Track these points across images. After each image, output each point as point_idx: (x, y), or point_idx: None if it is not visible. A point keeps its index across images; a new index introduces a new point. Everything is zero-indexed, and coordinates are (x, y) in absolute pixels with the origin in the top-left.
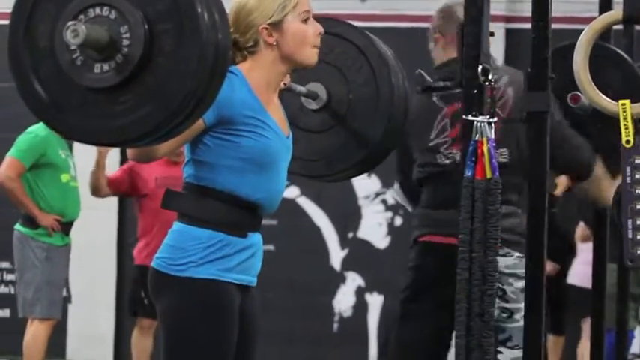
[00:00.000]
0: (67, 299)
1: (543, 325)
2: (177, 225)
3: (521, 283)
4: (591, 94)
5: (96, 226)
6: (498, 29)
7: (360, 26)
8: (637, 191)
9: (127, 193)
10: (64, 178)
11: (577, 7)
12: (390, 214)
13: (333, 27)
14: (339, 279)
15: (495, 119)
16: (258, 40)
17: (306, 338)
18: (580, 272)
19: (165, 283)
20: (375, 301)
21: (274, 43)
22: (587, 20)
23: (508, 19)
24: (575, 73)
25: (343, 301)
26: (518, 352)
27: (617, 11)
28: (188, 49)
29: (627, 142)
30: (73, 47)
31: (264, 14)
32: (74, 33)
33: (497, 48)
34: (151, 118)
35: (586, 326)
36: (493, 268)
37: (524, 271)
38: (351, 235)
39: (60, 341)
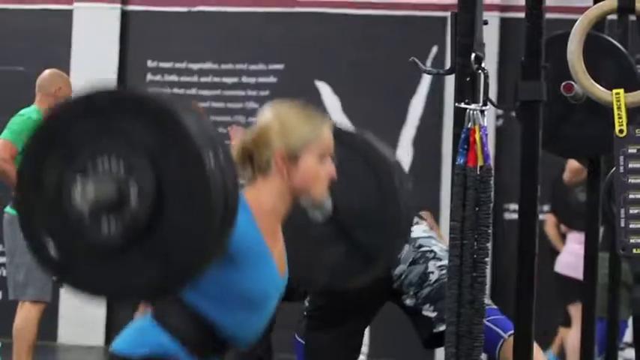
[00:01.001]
0: (59, 283)
1: (533, 328)
2: (148, 318)
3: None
4: (585, 83)
5: None
6: (493, 18)
7: (357, 15)
8: (630, 180)
9: None
10: None
11: None
12: None
13: (344, 137)
14: None
15: (488, 107)
16: (270, 163)
17: None
18: (564, 261)
19: None
20: None
21: (285, 172)
22: (582, 10)
23: (503, 8)
24: (570, 62)
25: None
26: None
27: (611, 1)
28: (197, 208)
29: (620, 131)
30: (80, 207)
31: (286, 142)
32: (82, 193)
33: (491, 37)
34: (159, 280)
35: (575, 313)
36: (484, 255)
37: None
38: None
39: (51, 325)
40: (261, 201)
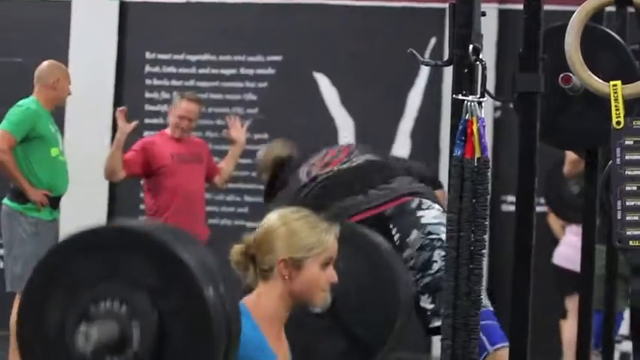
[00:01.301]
0: None
1: (529, 324)
2: None
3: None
4: (583, 75)
5: (86, 201)
6: (491, 9)
7: (355, 6)
8: (626, 172)
9: (140, 173)
10: (54, 152)
11: None
12: None
13: (342, 232)
14: None
15: (485, 98)
16: (273, 268)
17: None
18: (561, 253)
19: None
20: None
21: (286, 277)
22: (580, 1)
23: (501, 0)
24: (567, 53)
25: None
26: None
27: None
28: (199, 347)
29: (618, 123)
30: (83, 349)
31: (290, 248)
32: (86, 337)
33: (489, 28)
34: None
35: (571, 305)
36: (481, 247)
37: None
38: None
39: None
40: (263, 306)
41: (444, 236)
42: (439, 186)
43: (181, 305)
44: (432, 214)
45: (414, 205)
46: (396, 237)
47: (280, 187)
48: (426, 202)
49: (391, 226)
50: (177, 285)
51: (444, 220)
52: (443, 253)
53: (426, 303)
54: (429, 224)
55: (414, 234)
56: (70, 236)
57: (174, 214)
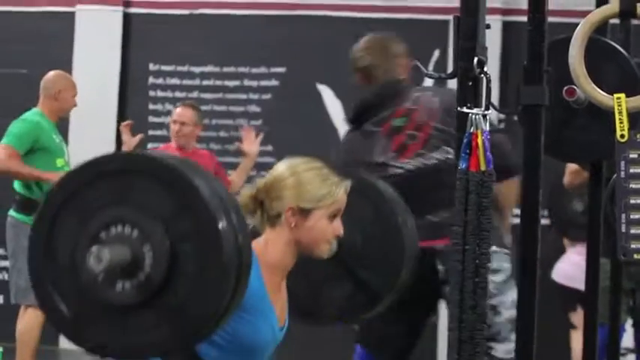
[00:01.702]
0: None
1: (535, 328)
2: None
3: (500, 276)
4: (587, 87)
5: None
6: (495, 22)
7: (359, 17)
8: (631, 185)
9: None
10: (59, 162)
11: (573, 0)
12: None
13: (352, 179)
14: None
15: (490, 111)
16: (281, 215)
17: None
18: (560, 270)
19: None
20: None
21: (293, 225)
22: (584, 14)
23: (505, 12)
24: (571, 66)
25: None
26: (510, 345)
27: (613, 5)
28: (210, 272)
29: (622, 136)
30: (94, 269)
31: (299, 197)
32: (97, 258)
33: (493, 40)
34: (172, 339)
35: (577, 320)
36: (486, 260)
37: (502, 263)
38: None
39: (53, 329)
40: (269, 254)
41: (490, 285)
42: (513, 173)
43: (193, 231)
44: None
45: (434, 249)
46: (442, 272)
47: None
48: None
49: (438, 260)
50: (189, 211)
51: (497, 264)
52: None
53: None
54: None
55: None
56: (81, 164)
57: None
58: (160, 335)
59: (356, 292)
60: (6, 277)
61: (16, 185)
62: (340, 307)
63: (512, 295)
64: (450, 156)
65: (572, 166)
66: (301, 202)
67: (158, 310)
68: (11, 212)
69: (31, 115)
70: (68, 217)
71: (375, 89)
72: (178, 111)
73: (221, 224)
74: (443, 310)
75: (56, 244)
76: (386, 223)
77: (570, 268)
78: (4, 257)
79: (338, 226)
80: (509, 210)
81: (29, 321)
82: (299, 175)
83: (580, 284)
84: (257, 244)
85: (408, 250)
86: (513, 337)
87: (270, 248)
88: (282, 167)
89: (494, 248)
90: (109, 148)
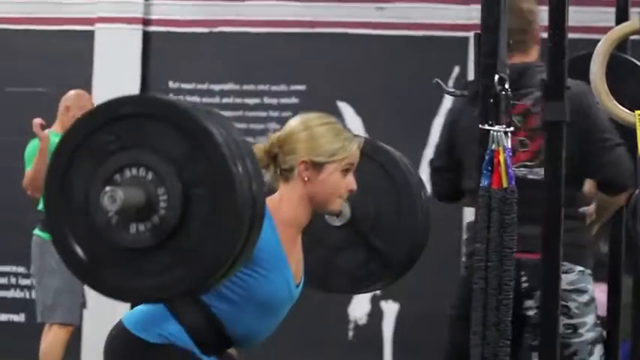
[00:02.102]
0: (83, 304)
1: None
2: (162, 307)
3: (584, 297)
4: (608, 104)
5: None
6: None
7: (377, 35)
8: None
9: None
10: None
11: (594, 17)
12: None
13: (365, 146)
14: None
15: (512, 128)
16: (294, 168)
17: (321, 345)
18: None
19: (131, 348)
20: (391, 309)
21: (306, 179)
22: (604, 30)
23: None
24: (592, 83)
25: (358, 308)
26: None
27: (633, 21)
28: (224, 213)
29: None
30: (108, 210)
31: (311, 151)
32: (112, 199)
33: None
34: (185, 280)
35: None
36: (509, 277)
37: (587, 284)
38: None
39: (75, 347)
40: (283, 210)
41: (572, 305)
42: (626, 189)
43: (207, 175)
44: (569, 279)
45: None
46: (525, 285)
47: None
48: (567, 265)
49: (523, 272)
50: (202, 155)
51: (582, 285)
52: (568, 322)
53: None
54: (564, 290)
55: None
56: (94, 107)
57: None
58: (174, 277)
59: (369, 259)
60: (27, 295)
61: (41, 205)
62: (353, 275)
63: (593, 317)
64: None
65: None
66: (314, 155)
67: (172, 253)
68: (36, 231)
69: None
70: (83, 160)
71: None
72: None
73: (234, 168)
74: None
75: (71, 186)
76: (400, 193)
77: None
78: (26, 276)
79: (351, 181)
80: (601, 223)
81: (53, 339)
82: (312, 129)
83: (601, 311)
84: (271, 201)
85: (422, 220)
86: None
87: (285, 204)
88: (295, 122)
89: (580, 268)
90: None
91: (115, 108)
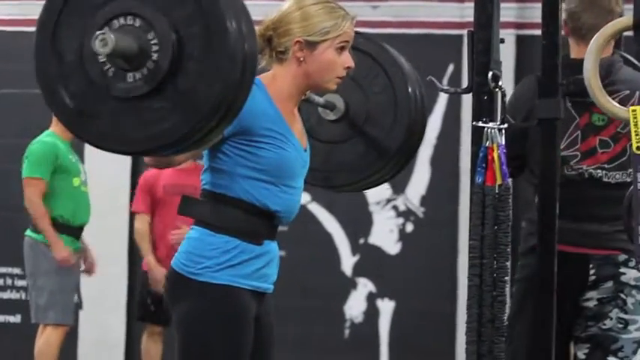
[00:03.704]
0: (79, 305)
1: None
2: (193, 231)
3: None
4: (602, 100)
5: (107, 231)
6: (509, 36)
7: (372, 33)
8: None
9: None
10: (75, 181)
11: None
12: (401, 220)
13: (360, 42)
14: (350, 285)
15: (506, 125)
16: (288, 49)
17: (317, 344)
18: None
19: (182, 289)
20: (387, 307)
21: (302, 59)
22: None
23: (518, 26)
24: (586, 79)
25: (354, 306)
26: None
27: (627, 18)
28: (216, 51)
29: (638, 148)
30: (102, 58)
31: (305, 30)
32: (103, 42)
33: (507, 54)
34: (184, 124)
35: None
36: (504, 274)
37: None
38: (362, 241)
39: (71, 347)
40: (277, 85)
41: (630, 300)
42: None
43: (196, 13)
44: (635, 275)
45: (620, 259)
46: (592, 277)
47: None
48: (633, 261)
49: (591, 265)
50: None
51: None
52: (621, 316)
53: (581, 352)
54: (627, 284)
55: (609, 284)
56: None
57: (165, 247)
58: (172, 121)
59: (367, 150)
60: (23, 296)
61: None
62: (353, 167)
63: None
64: (629, 179)
65: None
66: (308, 34)
67: (167, 98)
68: (28, 232)
69: (45, 137)
70: (71, 17)
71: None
72: None
73: (223, 2)
74: (461, 326)
75: (61, 44)
76: (395, 83)
77: None
78: (22, 277)
79: (347, 59)
80: None
81: (48, 340)
82: (305, 8)
83: None
84: (265, 78)
85: (417, 109)
86: (635, 359)
87: (279, 80)
88: (288, 2)
89: None
90: (125, 165)
91: None
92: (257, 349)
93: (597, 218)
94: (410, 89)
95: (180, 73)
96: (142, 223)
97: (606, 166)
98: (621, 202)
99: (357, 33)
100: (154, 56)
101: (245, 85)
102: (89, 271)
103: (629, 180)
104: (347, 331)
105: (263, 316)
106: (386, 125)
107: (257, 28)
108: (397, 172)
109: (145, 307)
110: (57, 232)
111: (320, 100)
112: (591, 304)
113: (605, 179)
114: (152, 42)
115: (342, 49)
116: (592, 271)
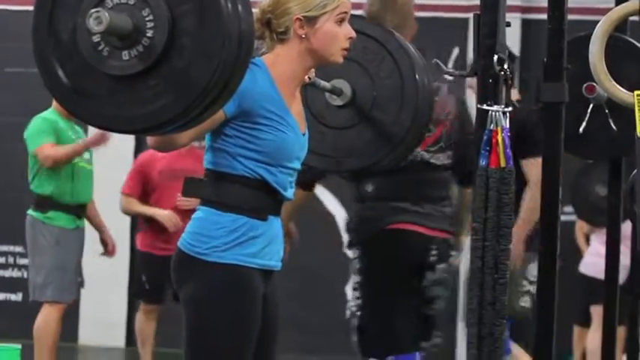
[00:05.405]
0: (80, 284)
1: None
2: (199, 211)
3: None
4: (607, 84)
5: (109, 211)
6: (515, 19)
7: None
8: None
9: (142, 194)
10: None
11: None
12: None
13: (353, 23)
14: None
15: (510, 108)
16: (289, 29)
17: (319, 325)
18: (589, 262)
19: (190, 269)
20: None
21: (303, 36)
22: (604, 11)
23: (524, 10)
24: (591, 64)
25: None
26: None
27: (633, 2)
28: (211, 27)
29: None
30: (96, 37)
31: (303, 6)
32: (97, 20)
33: (513, 38)
34: (180, 102)
35: (596, 315)
36: (505, 256)
37: None
38: None
39: (72, 326)
40: (279, 65)
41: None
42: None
43: (194, 5)
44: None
45: (451, 242)
46: (433, 259)
47: None
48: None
49: (433, 246)
50: None
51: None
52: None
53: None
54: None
55: (442, 267)
56: None
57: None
58: (168, 99)
59: (375, 135)
60: (24, 274)
61: (33, 186)
62: (362, 152)
63: None
64: (447, 162)
65: None
66: (307, 10)
67: (162, 76)
68: (29, 211)
69: (47, 114)
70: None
71: None
72: None
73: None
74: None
75: (58, 23)
76: (403, 75)
77: (597, 259)
78: (23, 255)
79: (348, 30)
80: None
81: (46, 318)
82: None
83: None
84: (267, 59)
85: (424, 92)
86: None
87: (281, 59)
88: None
89: None
90: (129, 145)
91: None
92: (264, 327)
93: (430, 199)
94: (416, 74)
95: (174, 51)
96: (127, 203)
97: (431, 149)
98: (447, 184)
99: (361, 17)
100: (149, 33)
101: (241, 63)
102: (110, 253)
103: (447, 162)
104: (348, 312)
105: (269, 295)
106: (393, 111)
107: (255, 11)
108: (405, 157)
109: (139, 284)
110: (53, 210)
111: (327, 85)
112: (426, 283)
113: (433, 161)
114: (147, 19)
115: (341, 20)
116: (433, 252)
